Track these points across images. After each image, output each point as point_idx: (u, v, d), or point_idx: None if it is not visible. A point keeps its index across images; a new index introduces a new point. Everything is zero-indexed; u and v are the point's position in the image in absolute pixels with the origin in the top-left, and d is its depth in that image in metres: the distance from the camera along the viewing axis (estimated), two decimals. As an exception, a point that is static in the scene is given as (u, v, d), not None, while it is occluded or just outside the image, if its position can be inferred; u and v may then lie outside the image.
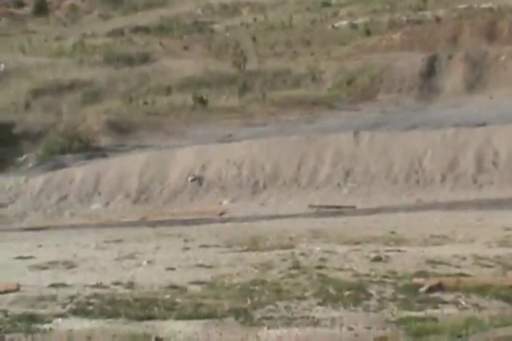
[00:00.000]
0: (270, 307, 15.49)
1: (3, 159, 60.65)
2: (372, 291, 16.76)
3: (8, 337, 13.35)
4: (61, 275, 21.32)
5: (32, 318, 15.02)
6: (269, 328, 13.26)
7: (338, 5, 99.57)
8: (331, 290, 17.08)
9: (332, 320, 13.97)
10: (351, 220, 37.28)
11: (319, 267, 21.18)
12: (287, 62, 76.11)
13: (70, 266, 23.75)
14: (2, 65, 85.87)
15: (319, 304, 15.64)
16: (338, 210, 42.06)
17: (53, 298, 17.31)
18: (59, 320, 14.67)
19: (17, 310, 16.13)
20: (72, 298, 17.44)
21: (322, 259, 22.87)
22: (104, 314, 15.34)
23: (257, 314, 14.64)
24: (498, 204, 39.22)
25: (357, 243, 26.75)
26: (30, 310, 16.06)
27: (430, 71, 69.14)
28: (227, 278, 19.82)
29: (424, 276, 18.51)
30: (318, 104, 67.05)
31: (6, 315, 15.33)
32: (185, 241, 30.33)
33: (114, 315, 15.19)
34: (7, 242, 34.57)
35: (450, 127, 50.15)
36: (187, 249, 27.57)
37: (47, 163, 58.58)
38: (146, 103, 71.47)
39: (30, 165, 59.51)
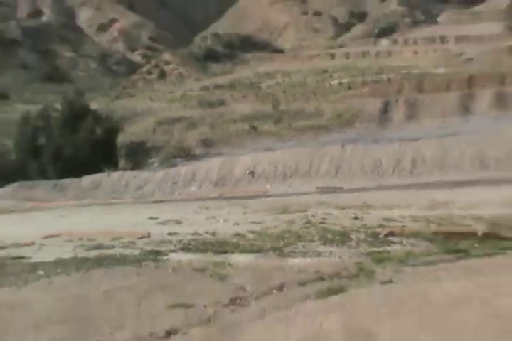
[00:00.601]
0: (294, 246, 16.74)
1: (140, 162, 64.73)
2: (353, 236, 17.77)
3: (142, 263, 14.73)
4: (174, 228, 22.78)
5: (157, 253, 16.53)
6: (293, 258, 14.61)
7: (331, 71, 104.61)
8: (329, 236, 18.19)
9: (329, 252, 15.30)
10: (341, 195, 37.34)
11: (322, 222, 22.28)
12: (303, 104, 78.99)
13: (178, 222, 25.15)
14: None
15: (322, 244, 16.83)
16: (333, 190, 42.13)
17: (169, 241, 18.93)
18: (172, 254, 16.24)
19: (148, 248, 17.65)
20: (180, 241, 18.96)
21: (323, 218, 23.78)
22: (198, 250, 16.87)
23: (287, 250, 16.03)
24: (426, 185, 38.79)
25: (344, 208, 27.27)
26: (155, 248, 17.42)
27: (385, 110, 71.70)
28: (269, 229, 20.93)
29: (382, 227, 19.10)
30: (321, 129, 71.14)
31: (142, 251, 17.11)
32: (245, 208, 31.06)
33: (204, 250, 16.68)
34: (143, 209, 35.57)
35: (397, 141, 52.41)
36: (246, 212, 28.47)
37: (165, 163, 61.76)
38: (222, 129, 75.47)
39: (156, 165, 63.14)
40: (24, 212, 37.12)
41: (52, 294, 11.80)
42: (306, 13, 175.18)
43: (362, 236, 17.59)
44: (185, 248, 17.23)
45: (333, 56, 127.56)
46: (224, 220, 24.60)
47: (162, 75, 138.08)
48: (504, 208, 22.28)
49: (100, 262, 15.00)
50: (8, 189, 51.87)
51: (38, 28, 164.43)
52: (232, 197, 41.62)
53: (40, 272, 13.99)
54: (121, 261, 15.20)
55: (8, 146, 66.24)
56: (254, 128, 74.55)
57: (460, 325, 8.22)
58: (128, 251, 16.94)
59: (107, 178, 54.23)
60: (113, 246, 18.18)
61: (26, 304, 11.06)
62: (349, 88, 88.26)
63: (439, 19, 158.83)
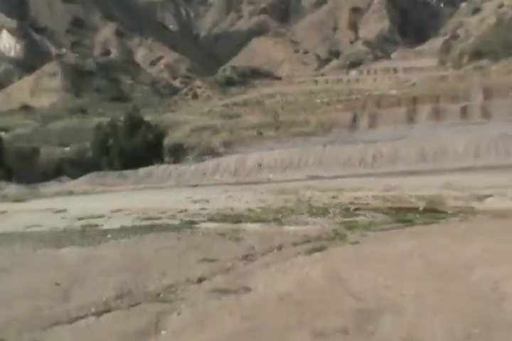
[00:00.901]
0: (288, 217, 16.36)
1: (180, 158, 64.49)
2: (331, 211, 17.32)
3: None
4: (203, 205, 21.96)
5: (191, 222, 16.27)
6: (288, 226, 14.42)
7: (315, 93, 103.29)
8: (314, 210, 17.78)
9: (314, 222, 14.99)
10: (324, 181, 36.13)
11: (308, 201, 21.62)
12: (296, 116, 78.62)
13: (207, 201, 23.91)
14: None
15: (309, 216, 16.42)
16: (317, 177, 41.21)
17: (200, 214, 18.36)
18: (202, 223, 16.02)
19: (185, 219, 17.19)
20: (208, 214, 18.46)
21: (310, 197, 23.11)
22: (221, 220, 16.56)
23: (284, 220, 15.67)
24: (383, 174, 38.08)
25: (325, 190, 26.25)
26: (190, 219, 17.00)
27: (354, 120, 70.62)
28: (271, 206, 20.28)
29: (352, 204, 18.63)
30: (308, 134, 70.08)
31: (181, 221, 16.67)
32: (254, 190, 30.01)
33: (225, 221, 16.43)
34: (182, 191, 34.13)
35: (362, 143, 52.23)
36: (254, 194, 27.44)
37: (197, 159, 61.16)
38: (237, 134, 75.48)
39: (190, 160, 62.38)
40: (97, 193, 37.18)
41: (117, 251, 12.11)
42: (297, 51, 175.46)
43: (337, 210, 17.32)
44: (212, 219, 17.02)
45: (316, 82, 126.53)
46: (239, 199, 24.10)
47: (195, 96, 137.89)
48: (438, 190, 22.23)
49: (151, 229, 15.25)
50: (86, 177, 51.81)
51: (108, 63, 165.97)
52: (245, 183, 40.50)
53: (109, 236, 14.27)
54: (166, 228, 15.38)
55: (86, 147, 66.56)
56: (261, 134, 74.79)
57: (406, 270, 8.61)
58: (171, 221, 16.92)
59: (156, 169, 54.06)
60: (160, 218, 18.09)
61: (100, 258, 11.31)
62: (328, 104, 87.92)
63: (392, 56, 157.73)
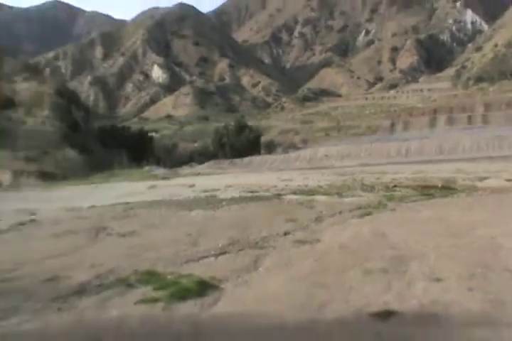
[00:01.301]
0: (346, 192, 15.56)
1: (272, 151, 62.68)
2: (376, 187, 16.71)
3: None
4: (288, 183, 21.25)
5: (279, 195, 15.72)
6: (346, 198, 13.84)
7: (366, 106, 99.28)
8: (364, 187, 17.00)
9: (364, 195, 14.32)
10: (371, 167, 33.47)
11: (361, 180, 20.41)
12: (352, 122, 76.48)
13: (290, 180, 22.90)
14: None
15: (361, 191, 15.66)
16: (367, 164, 38.31)
17: (285, 189, 17.89)
18: (287, 195, 15.52)
19: (275, 192, 16.85)
20: (290, 189, 17.99)
21: (361, 178, 21.64)
22: (299, 193, 16.02)
23: (343, 194, 14.95)
24: (412, 162, 36.37)
25: (372, 173, 25.06)
26: (279, 192, 16.53)
27: (392, 125, 68.75)
28: (334, 183, 19.64)
29: (391, 183, 17.92)
30: (360, 135, 68.01)
31: (272, 194, 16.13)
32: (322, 173, 28.61)
33: (302, 193, 15.90)
34: (273, 174, 32.36)
35: (398, 141, 50.67)
36: (323, 175, 26.44)
37: (284, 151, 59.57)
38: (311, 135, 74.09)
39: (279, 152, 60.15)
40: (216, 174, 36.79)
41: (229, 213, 12.07)
42: (353, 77, 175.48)
43: (380, 187, 16.80)
44: (293, 192, 16.53)
45: (366, 99, 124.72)
46: (312, 179, 23.27)
47: (282, 108, 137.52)
48: (451, 174, 21.64)
49: (252, 199, 15.01)
50: (209, 163, 51.64)
51: (223, 86, 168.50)
52: (316, 168, 38.61)
53: (224, 203, 14.15)
54: (262, 198, 15.11)
55: (208, 143, 66.49)
56: (327, 134, 73.74)
57: (428, 229, 8.51)
58: (265, 194, 16.53)
59: (255, 158, 53.18)
60: (258, 191, 17.65)
61: (217, 218, 11.41)
62: (374, 114, 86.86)
63: (419, 80, 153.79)
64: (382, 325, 4.50)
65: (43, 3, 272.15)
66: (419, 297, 5.11)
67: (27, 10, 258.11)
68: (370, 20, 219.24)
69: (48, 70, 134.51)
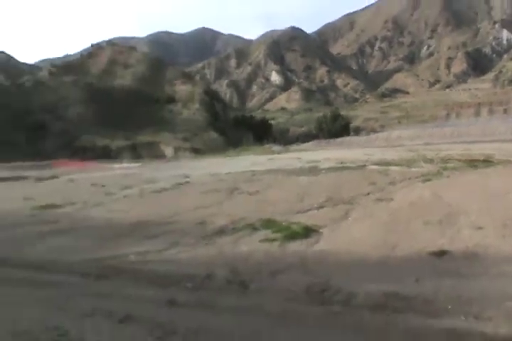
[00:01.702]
0: (412, 164, 14.13)
1: (359, 134, 58.78)
2: (435, 160, 15.40)
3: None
4: (369, 157, 19.53)
5: (364, 166, 14.44)
6: (412, 168, 12.69)
7: (428, 101, 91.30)
8: (426, 160, 15.54)
9: (426, 166, 13.21)
10: (432, 145, 29.68)
11: (423, 155, 18.34)
12: (417, 112, 72.74)
13: (371, 154, 21.25)
14: None
15: (424, 163, 14.31)
16: (429, 143, 33.38)
17: (368, 161, 16.33)
18: (369, 166, 14.35)
19: (360, 164, 15.33)
20: (372, 161, 16.58)
21: (424, 154, 19.17)
22: (378, 164, 14.75)
23: (410, 165, 13.53)
24: (462, 142, 31.07)
25: (432, 150, 22.03)
26: (363, 163, 15.28)
27: (447, 114, 65.15)
28: (403, 157, 17.70)
29: (446, 157, 16.50)
30: (424, 122, 62.80)
31: (358, 165, 14.67)
32: (396, 150, 25.97)
33: (380, 164, 14.56)
34: (359, 150, 29.76)
35: (451, 126, 46.57)
36: (396, 151, 24.61)
37: (367, 134, 55.81)
38: (387, 122, 69.43)
39: (364, 134, 56.78)
40: (317, 150, 35.46)
41: (327, 179, 11.59)
42: (418, 80, 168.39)
43: (438, 160, 15.49)
44: (374, 163, 15.44)
45: (428, 95, 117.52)
46: (388, 154, 21.21)
47: (366, 102, 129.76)
48: (491, 151, 19.14)
49: (343, 168, 14.24)
50: (313, 142, 49.71)
51: (324, 87, 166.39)
52: (391, 146, 34.96)
53: (323, 171, 13.68)
54: (351, 168, 14.26)
55: (312, 128, 64.82)
56: (399, 122, 69.69)
57: (473, 191, 8.04)
58: (353, 165, 15.35)
59: (346, 139, 50.19)
60: (348, 163, 16.51)
61: (318, 182, 11.08)
62: (434, 107, 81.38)
63: (468, 81, 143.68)
64: (438, 260, 4.45)
65: (195, 30, 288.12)
66: (466, 241, 5.00)
67: (183, 34, 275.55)
68: (430, 37, 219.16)
69: (197, 76, 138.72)
